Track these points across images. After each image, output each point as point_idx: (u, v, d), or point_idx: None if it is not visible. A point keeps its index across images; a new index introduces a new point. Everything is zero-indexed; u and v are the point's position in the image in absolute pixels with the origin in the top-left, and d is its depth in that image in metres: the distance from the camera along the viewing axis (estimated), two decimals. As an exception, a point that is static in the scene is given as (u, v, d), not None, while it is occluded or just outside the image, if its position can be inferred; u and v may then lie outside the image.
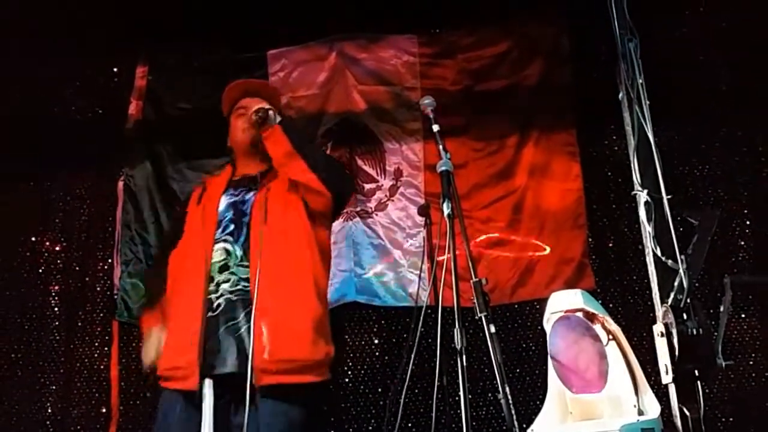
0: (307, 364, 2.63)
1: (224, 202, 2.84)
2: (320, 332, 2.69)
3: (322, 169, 2.80)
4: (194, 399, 2.58)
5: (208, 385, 2.58)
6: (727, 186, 4.34)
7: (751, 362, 4.12)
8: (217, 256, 2.74)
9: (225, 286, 2.69)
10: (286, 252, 2.73)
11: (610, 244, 4.34)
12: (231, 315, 2.65)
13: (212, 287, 2.69)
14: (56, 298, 4.28)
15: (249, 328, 2.60)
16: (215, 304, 2.67)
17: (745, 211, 4.31)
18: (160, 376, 2.72)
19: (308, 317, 2.68)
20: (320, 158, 2.94)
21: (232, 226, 2.79)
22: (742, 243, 4.28)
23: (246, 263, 2.71)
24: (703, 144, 4.40)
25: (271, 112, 2.83)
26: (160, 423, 2.69)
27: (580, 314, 2.83)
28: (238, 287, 2.69)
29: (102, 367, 4.13)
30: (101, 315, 4.23)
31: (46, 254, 4.35)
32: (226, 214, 2.81)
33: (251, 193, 2.84)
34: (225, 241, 2.76)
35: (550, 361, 2.90)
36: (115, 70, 4.57)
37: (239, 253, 2.73)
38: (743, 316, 4.19)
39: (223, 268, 2.72)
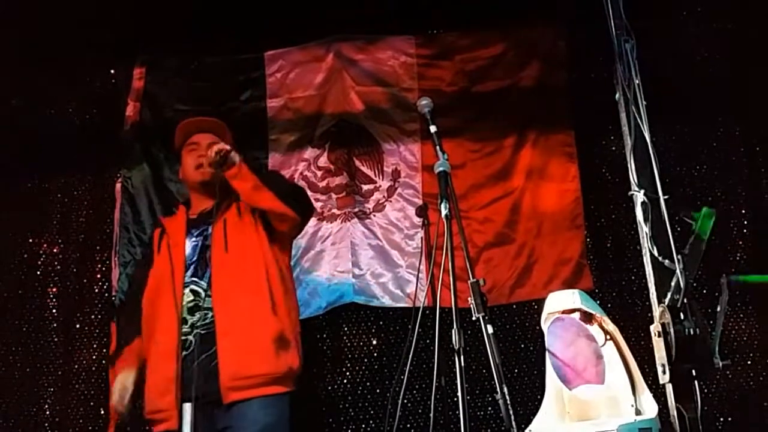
0: (269, 378, 2.79)
1: (189, 246, 3.00)
2: (281, 347, 2.84)
3: (287, 195, 2.99)
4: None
5: (187, 409, 2.70)
6: (724, 186, 4.35)
7: (749, 362, 4.14)
8: (187, 298, 2.91)
9: (197, 323, 2.84)
10: (244, 275, 2.90)
11: (608, 245, 4.35)
12: (204, 347, 2.79)
13: (186, 329, 2.85)
14: (54, 300, 4.27)
15: (216, 357, 2.77)
16: (188, 343, 2.83)
17: (743, 211, 4.33)
18: (149, 419, 2.90)
19: (267, 334, 2.83)
20: (284, 187, 3.11)
21: (197, 267, 2.96)
22: (740, 243, 4.29)
23: (210, 293, 2.88)
24: (701, 144, 4.41)
25: (232, 153, 2.93)
26: None
27: (577, 314, 2.83)
28: (206, 321, 2.84)
29: (100, 368, 4.13)
30: (99, 317, 4.23)
31: (44, 256, 4.34)
32: (192, 258, 2.98)
33: (209, 229, 2.98)
34: (193, 282, 2.94)
35: (547, 361, 2.90)
36: (112, 71, 4.56)
37: (205, 287, 2.90)
38: (741, 316, 4.20)
39: (194, 308, 2.88)
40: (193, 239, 3.02)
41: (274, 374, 2.82)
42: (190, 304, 2.89)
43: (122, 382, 2.90)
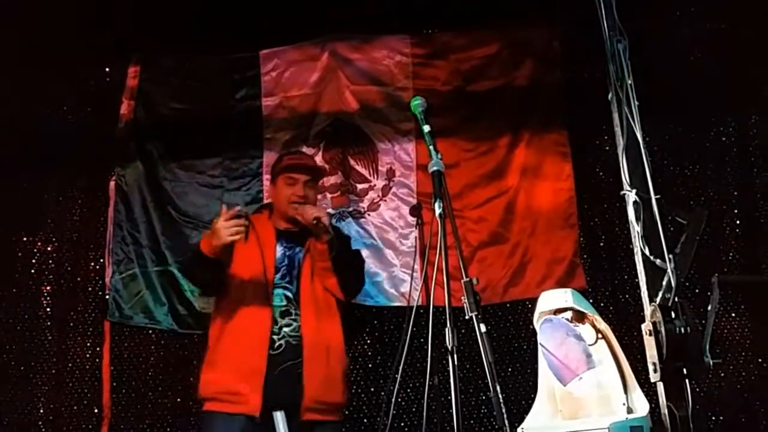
0: (336, 407, 3.28)
1: (279, 250, 3.37)
2: (345, 381, 3.33)
3: (347, 284, 3.39)
4: (255, 426, 3.06)
5: (281, 416, 3.07)
6: (717, 186, 4.36)
7: (741, 361, 4.15)
8: (278, 300, 3.27)
9: (286, 329, 3.22)
10: (325, 311, 3.31)
11: (601, 244, 4.36)
12: (290, 356, 3.16)
13: (275, 329, 3.20)
14: (48, 298, 4.27)
15: (301, 372, 3.15)
16: (276, 344, 3.18)
17: (735, 211, 4.34)
18: (208, 398, 3.17)
19: (340, 368, 3.30)
20: (349, 279, 3.43)
21: (288, 277, 3.33)
22: (732, 242, 4.30)
23: (299, 312, 3.26)
24: (693, 144, 4.42)
25: (325, 234, 3.29)
26: None
27: (569, 313, 2.84)
28: (297, 334, 3.21)
29: (94, 367, 4.13)
30: (93, 315, 4.23)
31: (38, 254, 4.33)
32: (283, 263, 3.35)
33: (299, 249, 3.39)
34: (284, 288, 3.30)
35: (540, 360, 2.91)
36: (107, 70, 4.55)
37: (295, 301, 3.27)
38: (733, 315, 4.21)
39: (285, 313, 3.25)
40: (284, 248, 3.39)
41: (340, 404, 3.31)
42: (283, 308, 3.25)
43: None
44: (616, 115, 3.01)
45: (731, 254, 4.29)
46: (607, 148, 4.32)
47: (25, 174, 4.42)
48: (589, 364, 2.72)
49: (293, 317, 3.24)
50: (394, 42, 4.52)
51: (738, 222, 4.32)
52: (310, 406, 3.12)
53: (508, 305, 4.24)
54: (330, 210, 4.33)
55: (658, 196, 2.85)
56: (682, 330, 2.58)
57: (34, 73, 4.45)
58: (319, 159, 4.41)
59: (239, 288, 3.27)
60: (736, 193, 4.35)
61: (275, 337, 3.18)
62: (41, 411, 4.10)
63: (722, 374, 4.12)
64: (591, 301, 4.05)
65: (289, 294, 3.28)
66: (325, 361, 3.21)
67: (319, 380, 3.16)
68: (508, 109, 4.44)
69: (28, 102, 4.46)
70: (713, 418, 4.09)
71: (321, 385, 3.16)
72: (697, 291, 4.07)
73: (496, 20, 4.48)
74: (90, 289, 4.28)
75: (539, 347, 2.89)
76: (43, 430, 4.08)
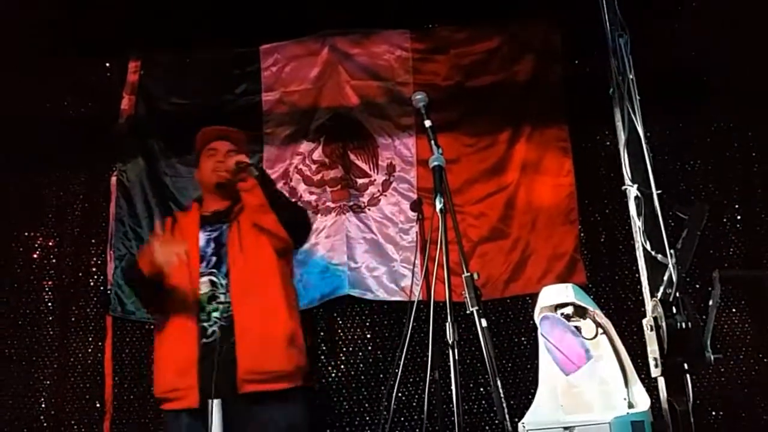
0: (282, 374, 3.03)
1: (203, 238, 3.21)
2: (294, 346, 3.10)
3: (288, 221, 3.21)
4: (197, 417, 2.95)
5: (216, 405, 2.93)
6: (718, 181, 4.36)
7: (741, 356, 4.15)
8: (205, 288, 3.11)
9: (215, 314, 3.06)
10: (260, 278, 3.12)
11: (602, 239, 4.36)
12: (225, 340, 3.00)
13: (204, 316, 3.06)
14: (50, 293, 4.28)
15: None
16: (209, 332, 3.04)
17: (736, 206, 4.34)
18: (160, 399, 3.10)
19: (282, 334, 3.07)
20: (288, 212, 3.29)
21: (214, 259, 3.17)
22: (733, 237, 4.30)
23: (229, 289, 3.09)
24: (695, 139, 4.42)
25: (251, 168, 3.24)
26: None
27: (570, 308, 2.85)
28: (228, 314, 3.05)
29: (96, 362, 4.14)
30: (95, 310, 4.24)
31: (39, 249, 4.34)
32: (206, 250, 3.19)
33: (225, 226, 3.22)
34: (210, 274, 3.14)
35: (541, 354, 2.92)
36: (107, 65, 4.55)
37: (224, 281, 3.12)
38: (734, 310, 4.22)
39: (212, 298, 3.09)
40: (207, 233, 3.23)
41: (285, 371, 3.05)
42: (208, 294, 3.10)
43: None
44: (617, 110, 3.00)
45: (732, 249, 4.29)
46: (608, 143, 4.33)
47: (27, 169, 4.42)
48: (588, 357, 2.72)
49: (220, 300, 3.08)
50: (395, 37, 4.51)
51: (739, 217, 4.32)
52: (245, 377, 2.95)
53: (508, 300, 4.23)
54: (330, 203, 4.34)
55: (659, 192, 2.85)
56: (683, 325, 2.58)
57: (35, 68, 4.46)
58: (319, 153, 4.41)
59: (171, 288, 3.14)
60: (737, 188, 4.35)
61: (206, 324, 3.04)
62: (43, 405, 4.11)
63: (723, 369, 4.12)
64: (591, 296, 4.05)
65: (215, 278, 3.12)
66: (259, 328, 3.02)
67: (254, 348, 2.99)
68: (508, 104, 4.43)
69: (30, 98, 4.47)
70: (714, 413, 4.10)
71: (257, 354, 2.98)
72: (698, 286, 4.07)
73: (497, 15, 4.48)
74: (92, 284, 4.29)
75: (541, 339, 2.89)
76: (45, 424, 4.09)
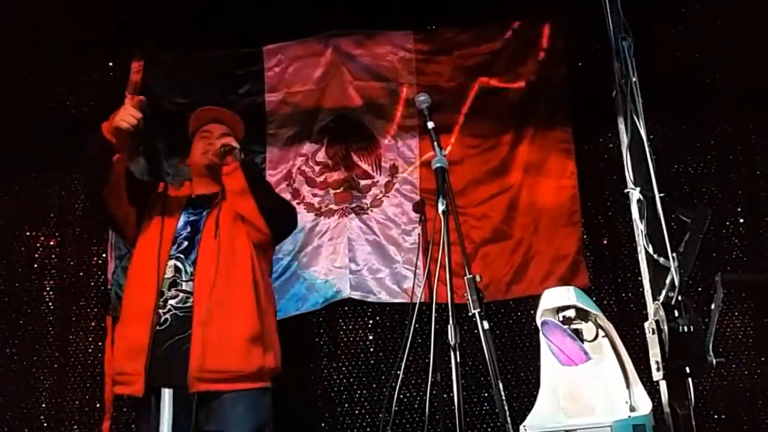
0: (239, 375, 2.87)
1: (182, 219, 3.11)
2: (257, 346, 2.92)
3: (268, 211, 3.08)
4: (143, 405, 2.85)
5: (168, 395, 2.81)
6: (721, 184, 4.35)
7: (743, 359, 4.15)
8: (169, 272, 2.98)
9: (172, 302, 2.93)
10: (232, 269, 2.97)
11: (605, 242, 4.36)
12: (178, 330, 2.87)
13: (160, 302, 2.93)
14: (50, 292, 4.27)
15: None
16: (162, 319, 2.90)
17: (739, 209, 4.33)
18: (113, 379, 3.00)
19: (244, 332, 2.91)
20: (269, 201, 3.16)
21: (185, 243, 3.05)
22: (736, 241, 4.29)
23: (193, 277, 2.95)
24: (698, 142, 4.41)
25: (237, 151, 3.11)
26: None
27: (572, 311, 2.85)
28: (186, 304, 2.92)
29: (96, 362, 4.13)
30: (95, 310, 4.23)
31: (40, 249, 4.34)
32: (182, 232, 3.08)
33: (205, 211, 3.11)
34: (177, 258, 3.01)
35: (542, 357, 2.92)
36: (110, 64, 4.55)
37: (189, 269, 2.98)
38: (737, 313, 4.21)
39: (173, 284, 2.96)
40: (188, 215, 3.13)
41: (243, 372, 2.89)
42: (170, 279, 2.96)
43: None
44: (620, 113, 3.00)
45: (735, 252, 4.28)
46: (611, 145, 4.32)
47: (28, 169, 4.41)
48: (587, 357, 2.72)
49: (181, 288, 2.95)
50: (398, 38, 4.50)
51: (742, 220, 4.31)
52: (197, 375, 2.80)
53: (511, 302, 4.23)
54: (333, 206, 4.33)
55: (662, 195, 2.84)
56: (685, 328, 2.58)
57: (37, 67, 4.45)
58: (322, 155, 4.40)
59: (136, 263, 3.09)
60: (740, 191, 4.34)
61: (161, 311, 2.90)
62: (43, 405, 4.10)
63: (725, 372, 4.11)
64: (594, 299, 4.04)
65: (180, 264, 2.99)
66: (221, 325, 2.86)
67: (212, 346, 2.83)
68: (511, 106, 4.42)
69: (32, 97, 4.45)
70: (716, 416, 4.09)
71: (214, 351, 2.83)
72: (700, 289, 4.08)
73: (500, 16, 4.47)
74: (92, 283, 4.28)
75: (542, 339, 2.89)
76: (45, 424, 4.08)
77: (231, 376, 2.86)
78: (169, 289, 2.95)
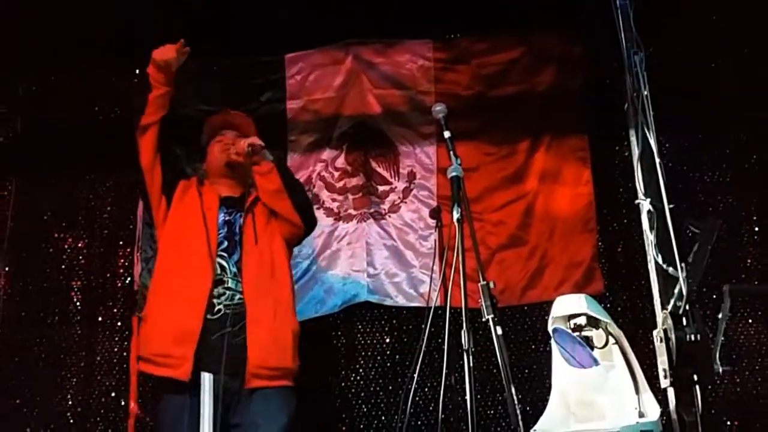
0: (285, 372, 3.08)
1: (220, 216, 3.23)
2: (296, 345, 3.13)
3: (303, 209, 3.31)
4: (186, 388, 2.91)
5: (208, 379, 2.91)
6: (736, 192, 4.38)
7: (757, 367, 4.16)
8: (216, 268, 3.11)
9: (222, 298, 3.06)
10: (273, 272, 3.17)
11: (620, 249, 4.39)
12: (229, 323, 3.00)
13: (215, 292, 3.05)
14: (78, 293, 4.37)
15: (244, 338, 3.00)
16: (215, 309, 3.03)
17: (754, 218, 4.35)
18: (144, 357, 3.08)
19: (289, 331, 3.12)
20: (302, 198, 3.40)
21: (225, 243, 3.18)
22: (751, 249, 4.31)
23: (239, 279, 3.11)
24: (714, 150, 4.44)
25: (265, 151, 3.27)
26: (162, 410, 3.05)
27: (582, 318, 2.90)
28: (234, 301, 3.06)
29: (121, 361, 4.23)
30: (121, 310, 4.33)
31: (69, 251, 4.44)
32: (221, 231, 3.20)
33: (239, 215, 3.25)
34: (220, 256, 3.14)
35: (554, 362, 2.97)
36: (137, 71, 4.64)
37: (233, 269, 3.13)
38: (751, 321, 4.23)
39: (218, 282, 3.08)
40: (224, 215, 3.25)
41: (290, 369, 3.09)
42: (218, 278, 3.09)
43: None
44: (632, 126, 3.05)
45: (750, 261, 4.30)
46: (627, 153, 4.32)
47: (57, 172, 4.53)
48: (596, 364, 2.78)
49: (227, 286, 3.09)
50: (417, 46, 4.56)
51: (757, 229, 4.33)
52: (254, 372, 2.97)
53: (525, 308, 4.27)
54: (351, 211, 4.40)
55: (671, 206, 2.90)
56: (692, 337, 2.63)
57: (67, 74, 4.58)
58: (341, 161, 4.48)
59: (178, 249, 3.18)
60: (755, 200, 4.36)
61: (215, 301, 3.04)
62: (70, 402, 4.20)
63: (739, 380, 4.13)
64: (608, 305, 4.11)
65: (224, 263, 3.13)
66: (271, 324, 3.05)
67: (265, 345, 3.01)
68: (528, 114, 4.47)
69: (61, 102, 4.58)
70: (729, 422, 4.11)
71: (267, 350, 3.01)
72: (714, 297, 4.09)
73: (518, 25, 4.52)
74: (119, 284, 4.38)
75: (553, 343, 2.95)
76: (72, 421, 4.18)
77: (282, 372, 3.05)
78: (215, 286, 3.07)
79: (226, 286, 3.08)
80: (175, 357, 2.94)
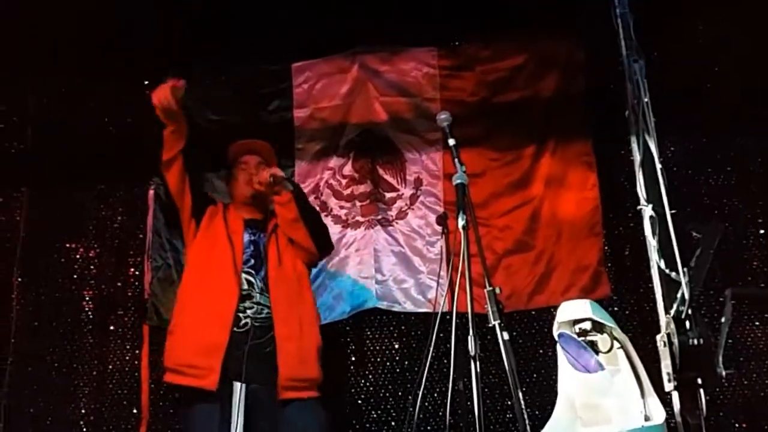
0: (312, 382, 3.28)
1: (246, 237, 3.45)
2: (320, 358, 3.34)
3: (317, 235, 3.53)
4: (213, 398, 3.05)
5: (239, 389, 3.07)
6: (741, 195, 4.38)
7: (764, 369, 4.15)
8: (244, 284, 3.31)
9: (249, 312, 3.25)
10: (296, 290, 3.40)
11: (626, 253, 4.39)
12: (256, 336, 3.20)
13: (241, 307, 3.24)
14: (89, 302, 4.42)
15: (272, 350, 3.20)
16: (242, 322, 3.22)
17: (760, 221, 4.35)
18: (170, 368, 3.21)
19: (314, 344, 3.34)
20: (317, 226, 3.60)
21: (252, 261, 3.40)
22: (756, 252, 4.31)
23: (266, 295, 3.32)
24: (718, 154, 4.44)
25: (286, 182, 3.51)
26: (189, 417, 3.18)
27: (587, 323, 2.92)
28: (261, 315, 3.26)
29: (133, 369, 4.27)
30: (132, 319, 4.37)
31: (80, 260, 4.49)
32: (247, 249, 3.42)
33: (263, 236, 3.48)
34: (247, 273, 3.35)
35: (560, 367, 2.99)
36: (146, 82, 4.69)
37: (260, 285, 3.34)
38: (757, 323, 4.22)
39: (246, 297, 3.28)
40: (249, 234, 3.47)
41: (316, 380, 3.30)
42: (245, 292, 3.29)
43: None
44: (633, 133, 3.08)
45: (756, 263, 4.30)
46: (632, 157, 4.35)
47: (68, 182, 4.58)
48: (601, 369, 2.80)
49: (256, 300, 3.29)
50: (422, 54, 4.60)
51: (762, 231, 4.33)
52: (286, 384, 3.17)
53: (533, 312, 4.28)
54: (359, 218, 4.44)
55: (673, 211, 2.92)
56: (695, 341, 2.65)
57: (78, 84, 4.63)
58: (348, 168, 4.51)
59: (206, 267, 3.35)
60: (760, 203, 4.36)
61: (241, 314, 3.23)
62: (82, 411, 4.24)
63: (746, 382, 4.13)
64: (616, 309, 4.13)
65: (252, 279, 3.35)
66: (298, 339, 3.26)
67: (294, 358, 3.21)
68: (533, 120, 4.50)
69: (72, 113, 4.63)
70: (737, 425, 4.11)
71: (296, 363, 3.21)
72: (721, 300, 4.08)
73: (522, 32, 4.55)
74: (130, 293, 4.42)
75: (558, 348, 2.97)
76: (85, 429, 4.22)
77: (310, 383, 3.26)
78: (243, 301, 3.26)
79: (254, 300, 3.29)
80: (202, 368, 3.09)
